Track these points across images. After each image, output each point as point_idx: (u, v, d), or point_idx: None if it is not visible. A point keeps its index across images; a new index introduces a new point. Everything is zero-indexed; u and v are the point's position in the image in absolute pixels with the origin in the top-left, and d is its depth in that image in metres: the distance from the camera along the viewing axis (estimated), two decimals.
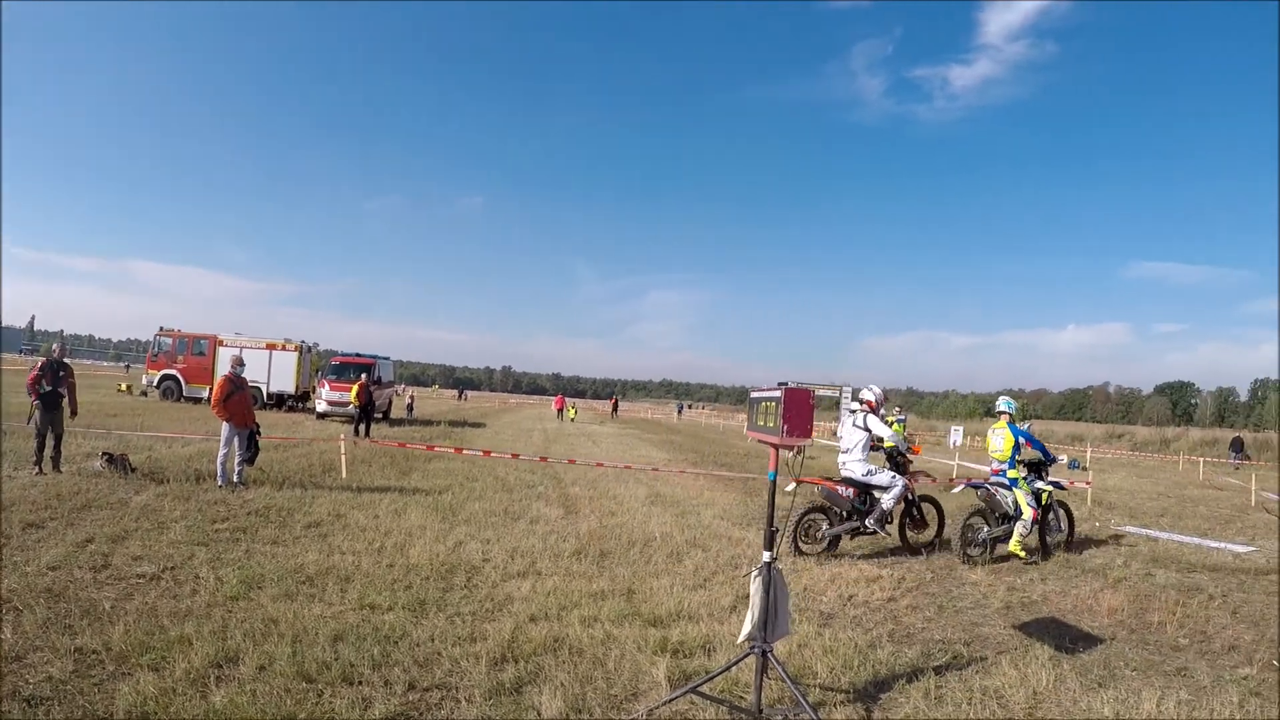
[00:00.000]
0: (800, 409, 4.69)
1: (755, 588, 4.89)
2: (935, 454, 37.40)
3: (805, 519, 10.20)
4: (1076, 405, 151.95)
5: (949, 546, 10.57)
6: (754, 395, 5.39)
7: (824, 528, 10.15)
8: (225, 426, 12.87)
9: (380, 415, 35.33)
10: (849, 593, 8.34)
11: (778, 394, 4.76)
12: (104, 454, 13.48)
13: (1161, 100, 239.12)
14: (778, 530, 5.00)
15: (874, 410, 10.46)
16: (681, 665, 5.64)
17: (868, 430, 10.23)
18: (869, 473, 10.24)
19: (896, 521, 10.78)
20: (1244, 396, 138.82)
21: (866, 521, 10.08)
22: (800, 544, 9.93)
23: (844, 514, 10.26)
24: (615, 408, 77.73)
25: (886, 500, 10.15)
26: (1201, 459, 40.18)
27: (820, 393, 52.64)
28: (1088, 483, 19.48)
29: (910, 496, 10.90)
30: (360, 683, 4.99)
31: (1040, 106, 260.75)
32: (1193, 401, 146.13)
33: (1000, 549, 10.69)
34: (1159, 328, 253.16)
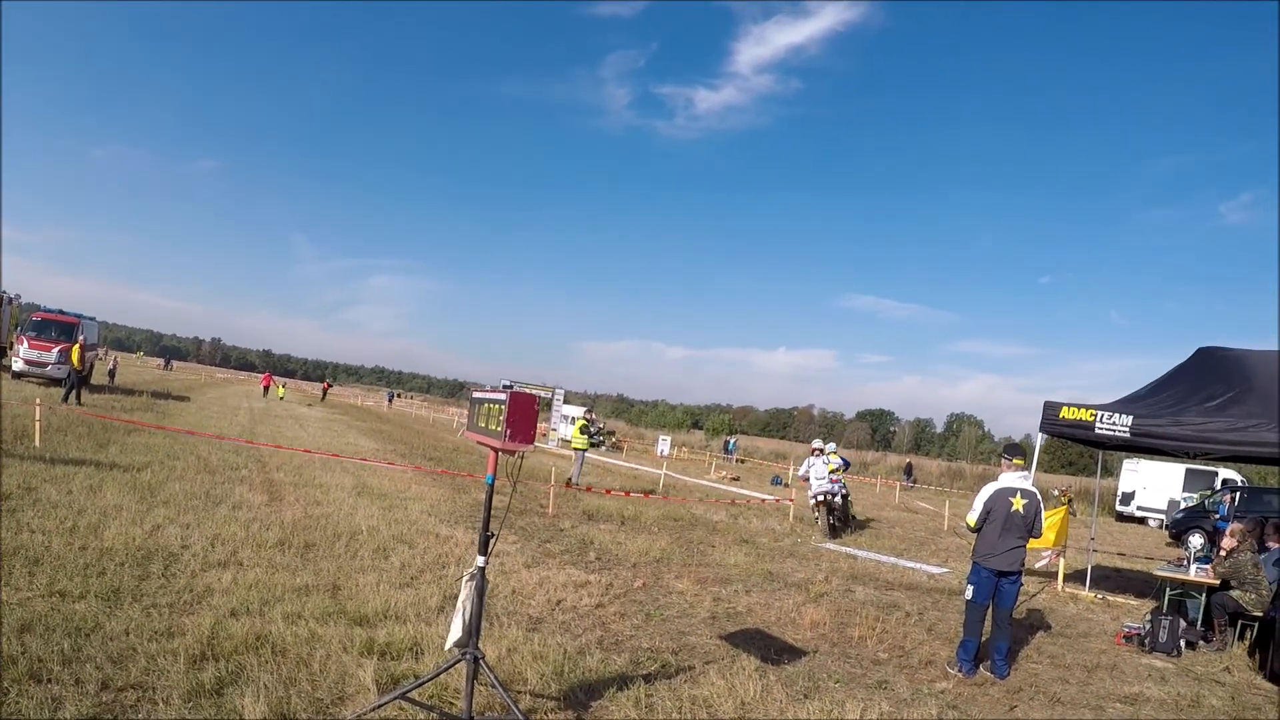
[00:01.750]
0: (524, 414, 4.51)
1: (466, 592, 4.69)
2: (643, 461, 38.42)
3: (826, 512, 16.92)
4: (781, 424, 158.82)
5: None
6: (476, 396, 5.12)
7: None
8: None
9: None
10: (557, 597, 8.15)
11: (502, 397, 4.57)
12: None
13: (888, 146, 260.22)
14: (493, 535, 4.81)
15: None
16: (389, 668, 5.35)
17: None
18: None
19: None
20: (940, 428, 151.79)
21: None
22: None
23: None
24: (325, 391, 74.24)
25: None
26: (898, 483, 42.50)
27: (532, 391, 52.87)
28: (790, 499, 20.04)
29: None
30: (50, 680, 4.40)
31: (776, 138, 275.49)
32: (891, 429, 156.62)
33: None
34: (865, 357, 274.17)
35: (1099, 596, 12.37)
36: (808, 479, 17.87)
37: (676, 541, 13.03)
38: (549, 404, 46.68)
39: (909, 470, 54.80)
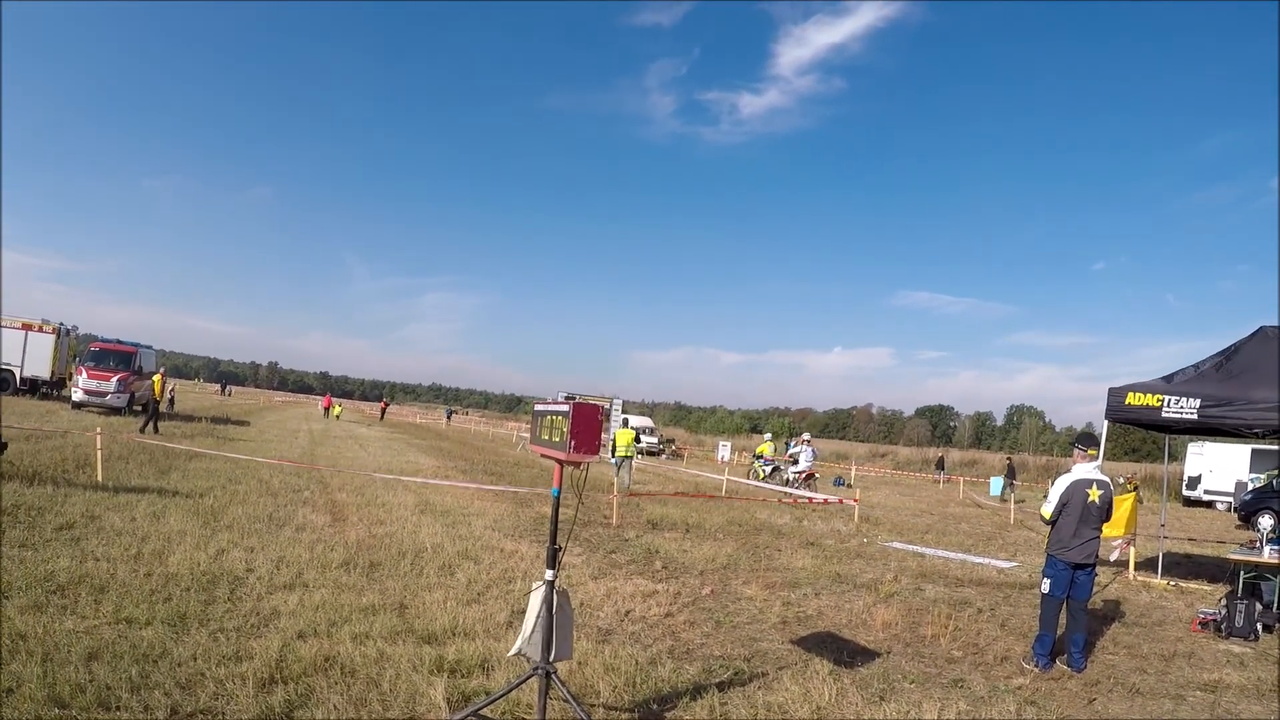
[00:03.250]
0: (588, 425, 4.49)
1: (534, 602, 4.69)
2: (704, 468, 38.37)
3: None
4: (840, 424, 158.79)
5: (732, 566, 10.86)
6: (539, 409, 5.11)
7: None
8: None
9: (140, 408, 32.61)
10: (626, 608, 8.12)
11: (566, 409, 4.55)
12: None
13: (934, 140, 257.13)
14: (560, 549, 4.79)
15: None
16: (459, 685, 5.31)
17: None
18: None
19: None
20: (1000, 421, 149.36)
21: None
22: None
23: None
24: (384, 411, 75.31)
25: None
26: (961, 479, 40.90)
27: (590, 402, 53.09)
28: (855, 499, 19.80)
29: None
30: (118, 707, 4.42)
31: (821, 138, 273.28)
32: (951, 424, 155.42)
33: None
34: (922, 354, 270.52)
35: (1171, 584, 12.15)
36: (796, 459, 28.72)
37: (742, 547, 12.95)
38: (609, 414, 46.88)
39: (941, 463, 54.11)
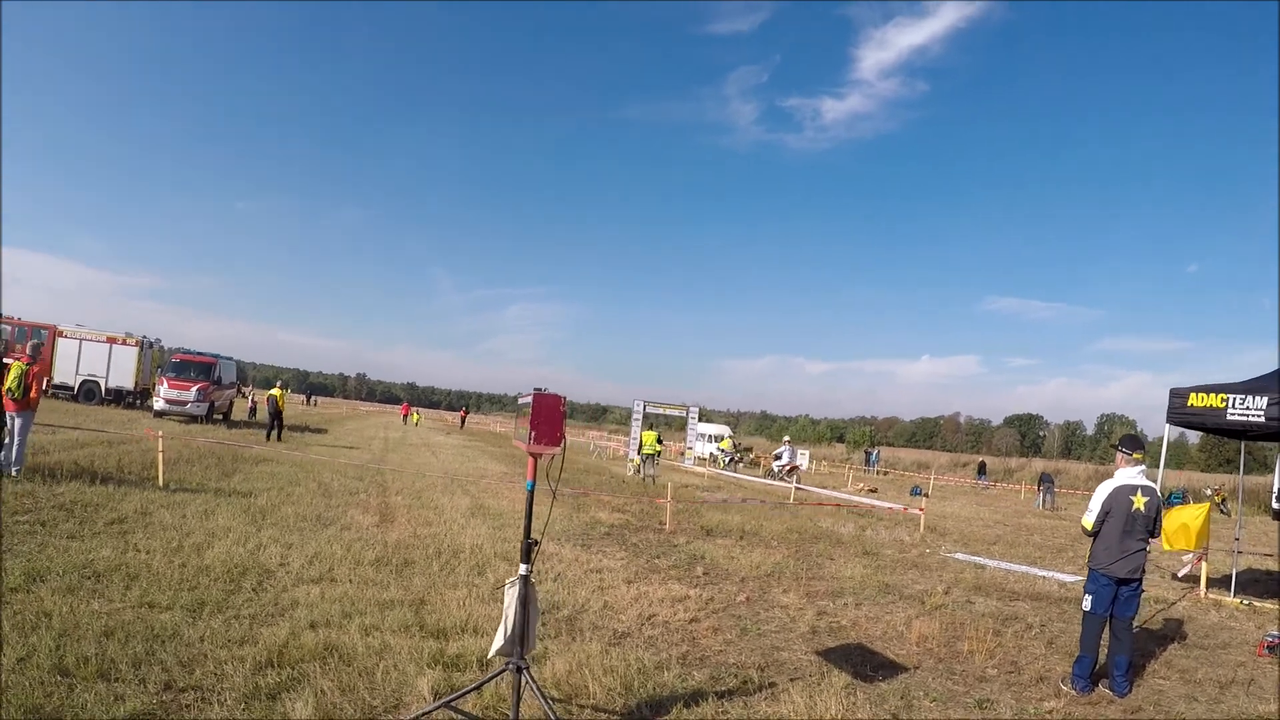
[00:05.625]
0: (549, 415, 4.54)
1: (509, 600, 4.84)
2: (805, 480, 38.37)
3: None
4: (928, 433, 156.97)
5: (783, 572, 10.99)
6: (520, 402, 5.10)
7: None
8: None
9: (220, 417, 34.24)
10: (650, 612, 8.24)
11: (529, 399, 4.63)
12: None
13: (1020, 140, 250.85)
14: (536, 543, 4.90)
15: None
16: (452, 679, 5.56)
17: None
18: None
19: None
20: (1090, 430, 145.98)
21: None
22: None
23: None
24: (464, 419, 76.80)
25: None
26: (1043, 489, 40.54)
27: (668, 412, 53.41)
28: (921, 509, 19.60)
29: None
30: (116, 679, 4.87)
31: (907, 142, 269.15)
32: (1040, 434, 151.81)
33: None
34: (1010, 361, 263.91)
35: (1245, 602, 11.55)
36: (779, 455, 38.82)
37: (794, 555, 12.98)
38: (684, 423, 47.55)
39: (982, 468, 52.82)
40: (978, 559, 14.63)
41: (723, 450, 45.38)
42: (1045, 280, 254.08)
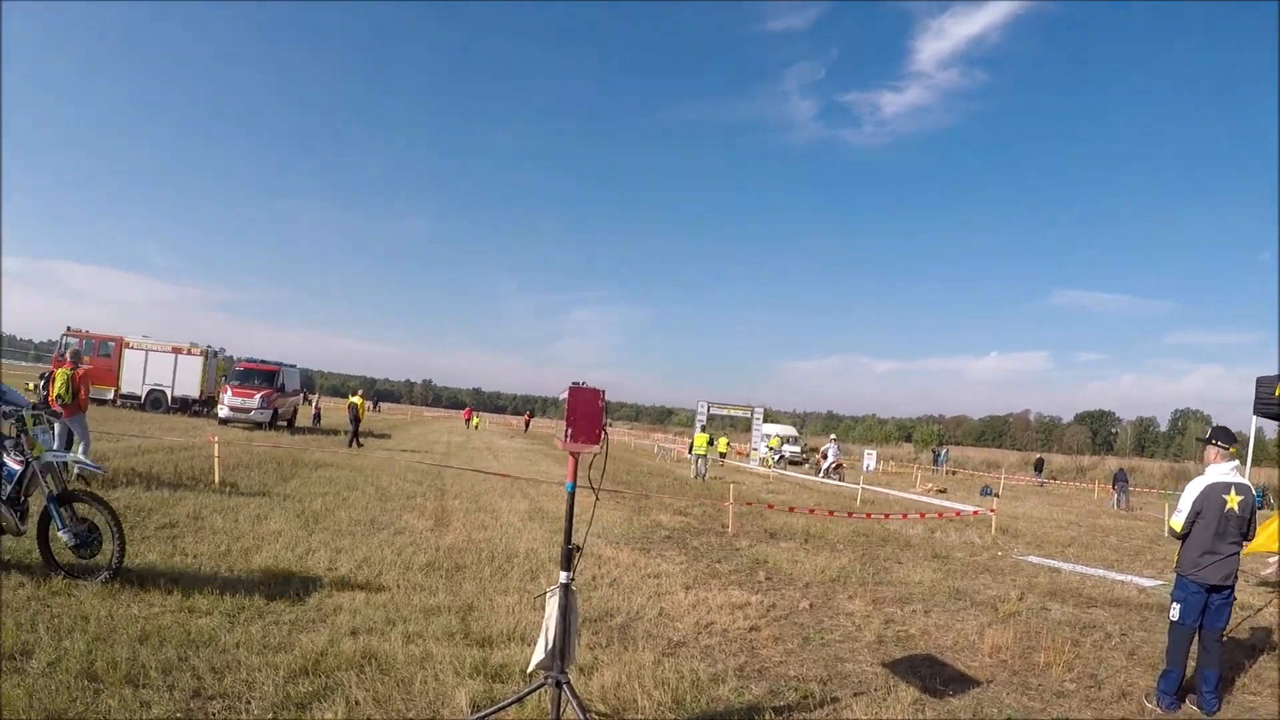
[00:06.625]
0: (587, 411, 4.34)
1: (549, 610, 4.67)
2: (847, 478, 37.88)
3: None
4: (996, 432, 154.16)
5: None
6: (561, 399, 4.85)
7: None
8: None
9: (284, 423, 34.94)
10: (708, 620, 8.01)
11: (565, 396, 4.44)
12: None
13: (1083, 128, 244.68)
14: (577, 549, 4.74)
15: None
16: (493, 690, 5.40)
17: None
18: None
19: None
20: (1164, 426, 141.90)
21: None
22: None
23: None
24: (528, 423, 77.20)
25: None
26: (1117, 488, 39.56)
27: (733, 413, 53.17)
28: (991, 509, 19.15)
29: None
30: (144, 685, 4.83)
31: (968, 134, 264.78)
32: (1113, 430, 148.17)
33: None
34: (1080, 356, 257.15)
35: None
36: (826, 454, 39.33)
37: (860, 559, 12.69)
38: (749, 424, 47.66)
39: (1039, 465, 52.17)
40: (1052, 562, 14.20)
41: (771, 449, 44.99)
42: (1112, 272, 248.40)
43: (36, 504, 7.26)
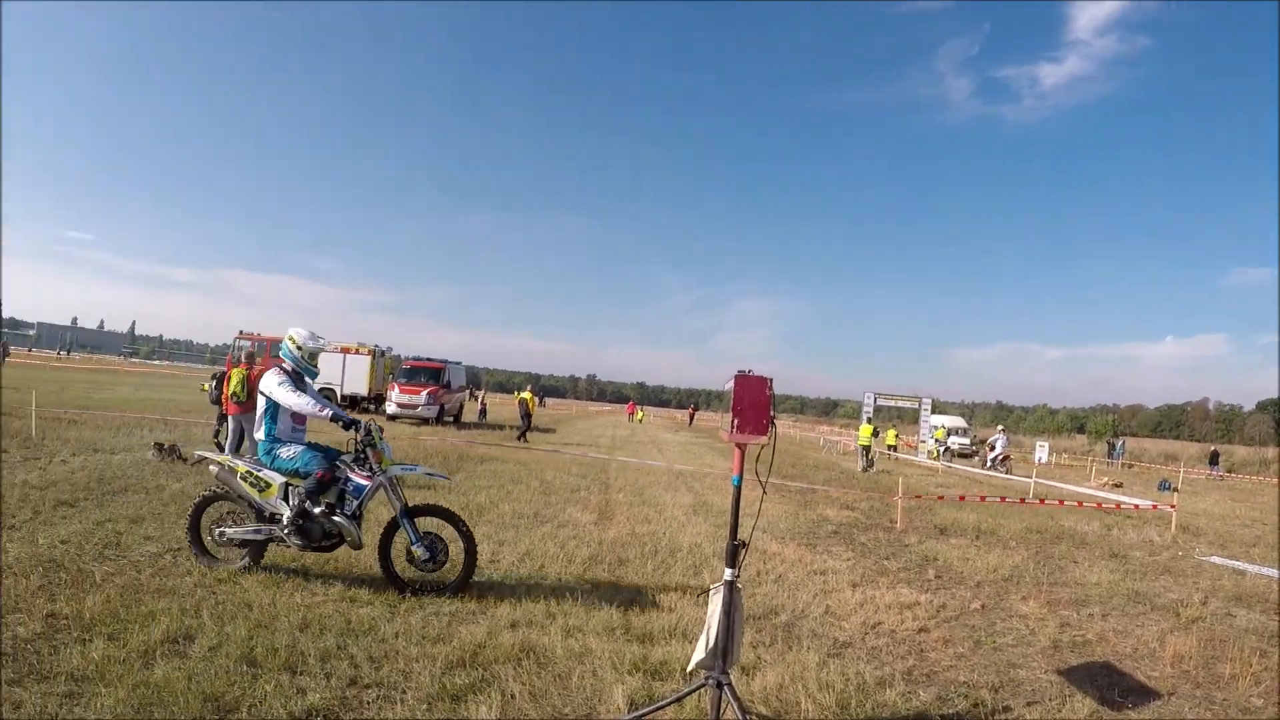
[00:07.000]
0: (754, 400, 4.11)
1: (713, 608, 4.45)
2: (1017, 470, 36.33)
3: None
4: (1174, 422, 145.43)
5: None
6: (725, 389, 4.61)
7: None
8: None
9: (450, 419, 36.02)
10: (875, 620, 7.65)
11: (732, 385, 4.22)
12: (155, 444, 13.97)
13: (1261, 92, 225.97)
14: (743, 545, 4.50)
15: None
16: (652, 688, 5.20)
17: None
18: None
19: None
20: None
21: None
22: None
23: None
24: (692, 417, 77.30)
25: None
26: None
27: (899, 404, 51.67)
28: (1172, 506, 17.91)
29: None
30: (302, 672, 4.87)
31: (1132, 103, 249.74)
32: None
33: None
34: (1261, 339, 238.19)
35: None
36: (994, 445, 36.78)
37: (1034, 557, 11.97)
38: (916, 415, 46.23)
39: (1214, 458, 48.87)
40: (1236, 563, 12.95)
41: (937, 440, 43.38)
42: None
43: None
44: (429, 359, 36.87)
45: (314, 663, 5.02)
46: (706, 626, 4.49)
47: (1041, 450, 48.96)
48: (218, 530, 7.16)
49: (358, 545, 7.15)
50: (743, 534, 4.59)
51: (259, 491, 7.08)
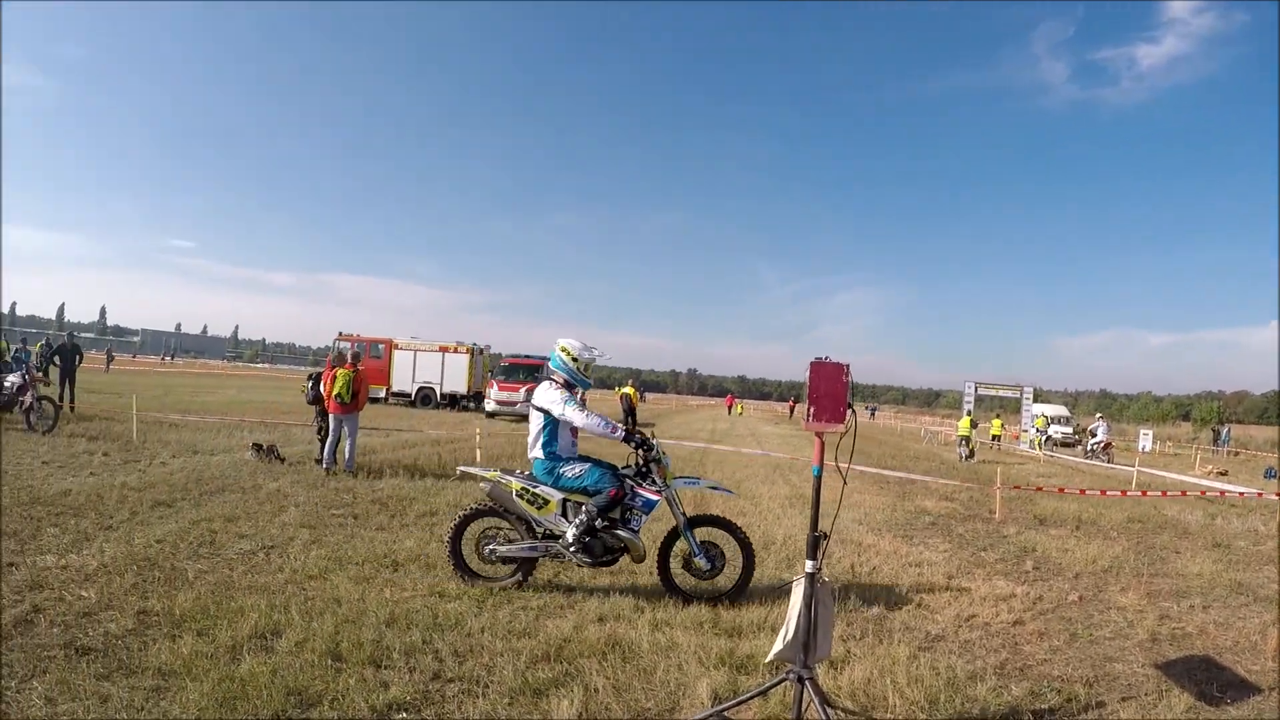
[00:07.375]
0: (830, 388, 4.00)
1: (794, 599, 4.37)
2: (1121, 459, 35.15)
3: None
4: None
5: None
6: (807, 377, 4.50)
7: None
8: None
9: None
10: (970, 612, 7.47)
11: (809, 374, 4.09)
12: (253, 444, 14.39)
13: None
14: (824, 536, 4.41)
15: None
16: (737, 682, 5.12)
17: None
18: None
19: None
20: None
21: None
22: None
23: None
24: (793, 409, 76.60)
25: None
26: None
27: (1001, 393, 50.35)
28: (1277, 494, 17.34)
29: None
30: (386, 666, 4.94)
31: (1233, 82, 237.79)
32: None
33: None
34: None
35: None
36: (1095, 433, 36.10)
37: (1135, 547, 11.62)
38: (1018, 405, 45.06)
39: (1217, 434, 48.02)
40: None
41: (1038, 429, 42.08)
42: None
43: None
44: (528, 356, 37.23)
45: (398, 657, 5.08)
46: (787, 619, 4.41)
47: (1145, 438, 47.62)
48: (487, 548, 7.12)
49: (641, 558, 7.17)
50: (824, 525, 4.47)
51: (536, 509, 7.04)
